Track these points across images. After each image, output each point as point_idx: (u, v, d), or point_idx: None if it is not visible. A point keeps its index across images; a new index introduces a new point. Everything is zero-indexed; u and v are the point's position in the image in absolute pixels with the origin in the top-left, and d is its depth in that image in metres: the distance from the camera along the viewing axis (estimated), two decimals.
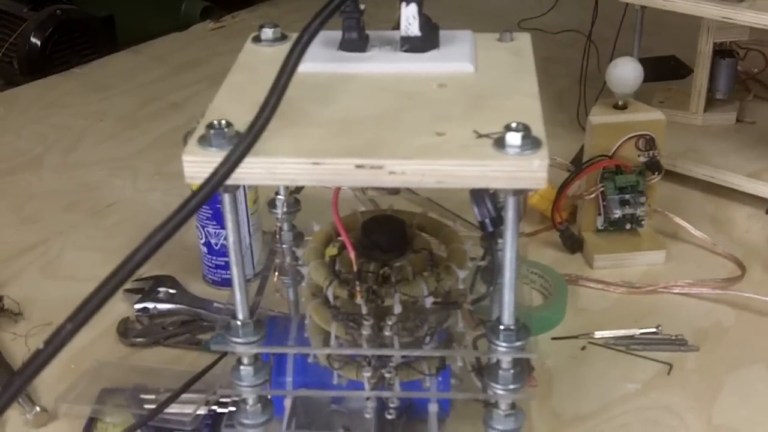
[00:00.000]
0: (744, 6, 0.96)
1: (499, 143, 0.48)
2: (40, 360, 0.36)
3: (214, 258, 0.90)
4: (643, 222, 0.95)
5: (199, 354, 0.83)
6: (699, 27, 1.12)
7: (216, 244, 0.89)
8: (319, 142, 0.49)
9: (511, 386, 0.54)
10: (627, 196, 0.94)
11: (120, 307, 0.88)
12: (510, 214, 0.50)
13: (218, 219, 0.87)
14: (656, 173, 0.93)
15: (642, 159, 0.93)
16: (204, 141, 0.48)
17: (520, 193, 0.49)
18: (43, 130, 1.26)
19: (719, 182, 1.05)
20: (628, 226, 0.95)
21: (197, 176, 0.47)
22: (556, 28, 1.46)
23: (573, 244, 0.96)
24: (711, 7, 0.97)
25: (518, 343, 0.53)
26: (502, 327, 0.53)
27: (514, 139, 0.47)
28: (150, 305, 0.87)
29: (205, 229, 0.89)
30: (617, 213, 0.94)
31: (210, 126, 0.48)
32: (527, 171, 0.47)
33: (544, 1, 1.48)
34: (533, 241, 0.98)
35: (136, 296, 0.88)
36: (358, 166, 0.47)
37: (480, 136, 0.49)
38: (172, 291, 0.89)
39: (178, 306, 0.88)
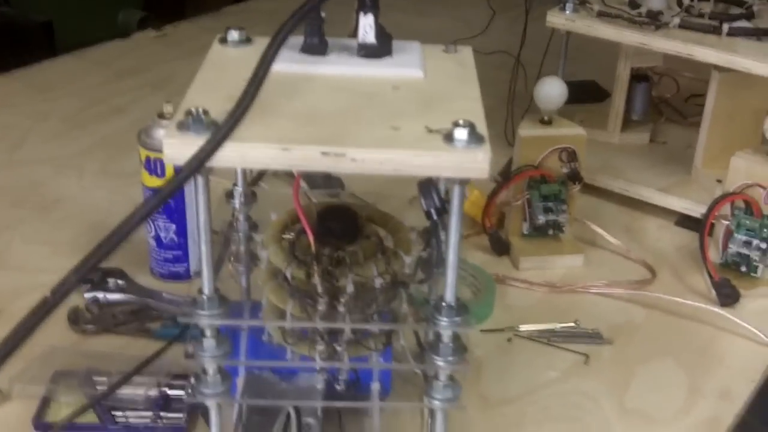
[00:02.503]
0: (658, 34, 1.05)
1: (448, 137, 0.54)
2: (47, 306, 0.40)
3: (163, 252, 0.94)
4: (564, 228, 1.03)
5: (147, 341, 0.87)
6: (617, 54, 1.21)
7: (165, 238, 0.93)
8: (287, 132, 0.54)
9: (450, 358, 0.60)
10: (550, 204, 1.02)
11: (69, 297, 0.92)
12: (455, 202, 0.56)
13: (168, 213, 0.92)
14: (577, 183, 1.01)
15: (564, 170, 1.01)
16: (183, 126, 0.53)
17: (465, 183, 0.55)
18: None
19: (633, 195, 1.14)
20: (550, 232, 1.03)
21: (176, 158, 0.52)
22: (487, 50, 1.54)
23: (501, 247, 1.03)
24: (629, 33, 1.06)
25: (458, 319, 0.59)
26: (444, 304, 0.59)
27: (461, 134, 0.54)
28: (100, 295, 0.91)
29: (155, 222, 0.93)
30: (541, 219, 1.01)
31: (188, 113, 0.53)
32: (472, 162, 0.53)
33: (475, 26, 1.57)
34: (464, 244, 1.05)
35: (86, 286, 0.92)
36: (323, 153, 0.53)
37: (431, 131, 0.55)
38: (121, 282, 0.93)
39: (128, 296, 0.91)
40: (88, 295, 0.91)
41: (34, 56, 1.61)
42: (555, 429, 0.79)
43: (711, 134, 1.12)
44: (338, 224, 0.65)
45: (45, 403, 0.78)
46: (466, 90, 0.62)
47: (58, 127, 1.30)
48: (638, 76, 1.23)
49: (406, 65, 0.63)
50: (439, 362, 0.60)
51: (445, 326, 0.59)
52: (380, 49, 0.64)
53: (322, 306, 0.62)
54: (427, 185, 0.60)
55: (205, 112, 0.53)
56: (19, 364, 0.82)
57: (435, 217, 0.60)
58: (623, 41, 1.09)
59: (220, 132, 0.47)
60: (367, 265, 0.63)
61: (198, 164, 0.46)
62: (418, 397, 0.64)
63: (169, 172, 0.89)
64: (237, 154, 0.53)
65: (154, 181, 0.91)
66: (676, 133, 1.28)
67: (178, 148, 0.53)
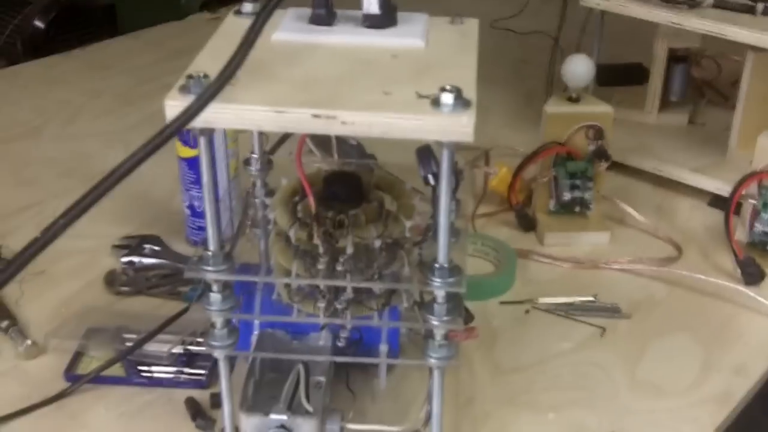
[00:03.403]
0: (692, 13, 1.05)
1: (435, 102, 0.56)
2: (37, 246, 0.44)
3: (197, 220, 0.98)
4: (590, 206, 1.04)
5: (178, 303, 0.90)
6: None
7: (198, 207, 0.97)
8: (283, 95, 0.57)
9: (445, 318, 0.63)
10: (577, 181, 1.03)
11: (107, 261, 0.97)
12: (444, 165, 0.58)
13: (201, 183, 0.95)
14: (604, 161, 1.02)
15: (591, 147, 1.02)
16: (184, 89, 0.57)
17: (454, 146, 0.57)
18: (43, 103, 1.35)
19: (666, 175, 1.14)
20: (577, 209, 1.04)
21: None
22: (526, 30, 1.56)
23: (527, 223, 1.05)
24: (662, 12, 1.06)
25: (450, 280, 0.61)
26: (437, 265, 0.61)
27: (447, 99, 0.56)
28: (135, 259, 0.96)
29: (189, 192, 0.97)
30: (567, 196, 1.03)
31: (189, 77, 0.57)
32: (457, 126, 0.56)
33: (515, 4, 1.58)
34: (492, 220, 1.07)
35: (123, 251, 0.97)
36: (315, 116, 0.56)
37: (420, 96, 0.57)
38: (156, 248, 0.97)
39: (161, 261, 0.96)
40: (124, 259, 0.96)
41: (96, 39, 1.67)
42: (563, 396, 0.81)
43: (746, 115, 1.12)
44: (342, 188, 0.68)
45: (77, 357, 0.83)
46: (462, 59, 0.64)
47: (110, 103, 1.35)
48: (677, 57, 1.23)
49: (408, 35, 0.66)
50: (434, 321, 0.63)
51: (437, 286, 0.62)
52: (384, 20, 0.66)
53: (322, 265, 0.65)
54: (425, 152, 0.62)
55: (206, 76, 0.57)
56: (56, 320, 0.87)
57: (432, 182, 0.62)
58: (656, 20, 1.09)
59: (207, 92, 0.50)
60: (368, 227, 0.65)
61: (184, 121, 0.49)
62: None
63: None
64: (233, 115, 0.56)
65: (187, 152, 0.95)
66: (717, 116, 1.27)
67: (177, 109, 0.56)
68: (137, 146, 1.22)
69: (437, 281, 0.61)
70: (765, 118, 1.10)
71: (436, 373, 0.65)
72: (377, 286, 0.66)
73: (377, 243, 0.65)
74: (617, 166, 1.10)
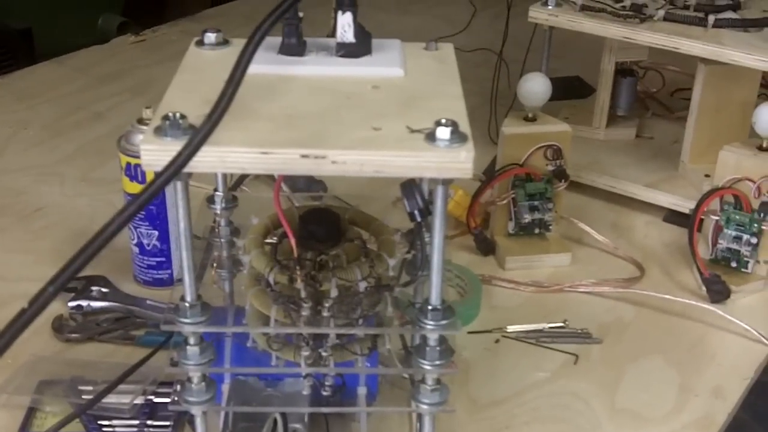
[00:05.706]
0: (643, 27, 1.04)
1: (431, 137, 0.53)
2: (25, 318, 0.39)
3: (146, 258, 0.93)
4: (550, 227, 1.02)
5: (133, 348, 0.86)
6: (601, 50, 1.20)
7: (148, 245, 0.92)
8: (266, 134, 0.53)
9: (438, 362, 0.59)
10: (536, 203, 1.01)
11: (53, 305, 0.90)
12: (439, 202, 0.55)
13: (151, 220, 0.90)
14: (563, 181, 1.01)
15: (550, 168, 1.00)
16: (160, 131, 0.52)
17: (449, 183, 0.54)
18: None
19: (620, 192, 1.13)
20: (536, 231, 1.02)
21: (154, 164, 0.51)
22: (468, 48, 1.54)
23: (486, 247, 1.02)
24: (613, 27, 1.05)
25: (444, 322, 0.58)
26: (430, 307, 0.58)
27: (443, 133, 0.53)
28: (83, 303, 0.90)
29: (138, 230, 0.92)
30: (527, 218, 1.01)
31: (165, 117, 0.52)
32: (455, 161, 0.53)
33: (457, 23, 1.56)
34: (449, 245, 1.04)
35: (69, 295, 0.91)
36: (303, 156, 0.52)
37: (413, 131, 0.54)
38: (104, 290, 0.92)
39: (111, 303, 0.90)
40: (71, 304, 0.90)
41: (14, 64, 1.59)
42: (545, 430, 0.79)
43: (698, 128, 1.12)
44: (320, 227, 0.64)
45: (31, 413, 0.77)
46: (447, 88, 0.61)
47: (38, 135, 1.28)
48: (623, 71, 1.22)
49: (386, 64, 0.63)
50: (426, 366, 0.60)
51: (431, 329, 0.58)
52: (359, 48, 0.63)
53: (306, 311, 0.61)
54: (410, 186, 0.59)
55: (183, 117, 0.52)
56: (3, 374, 0.81)
57: (419, 218, 0.59)
58: (607, 35, 1.08)
59: (198, 136, 0.46)
60: (351, 268, 0.62)
61: (176, 170, 0.45)
62: (405, 401, 0.63)
63: (150, 178, 0.88)
64: (216, 159, 0.52)
65: (136, 188, 0.90)
66: (663, 128, 1.27)
67: (155, 154, 0.52)
68: (73, 180, 1.18)
69: (430, 324, 0.58)
70: (716, 131, 1.11)
71: (427, 420, 0.62)
72: (366, 332, 0.63)
73: (362, 285, 0.62)
74: (569, 184, 1.09)
